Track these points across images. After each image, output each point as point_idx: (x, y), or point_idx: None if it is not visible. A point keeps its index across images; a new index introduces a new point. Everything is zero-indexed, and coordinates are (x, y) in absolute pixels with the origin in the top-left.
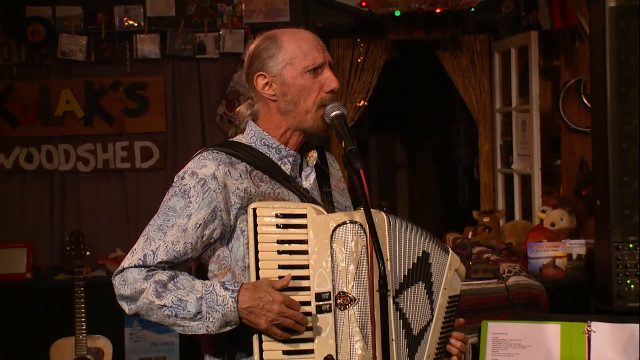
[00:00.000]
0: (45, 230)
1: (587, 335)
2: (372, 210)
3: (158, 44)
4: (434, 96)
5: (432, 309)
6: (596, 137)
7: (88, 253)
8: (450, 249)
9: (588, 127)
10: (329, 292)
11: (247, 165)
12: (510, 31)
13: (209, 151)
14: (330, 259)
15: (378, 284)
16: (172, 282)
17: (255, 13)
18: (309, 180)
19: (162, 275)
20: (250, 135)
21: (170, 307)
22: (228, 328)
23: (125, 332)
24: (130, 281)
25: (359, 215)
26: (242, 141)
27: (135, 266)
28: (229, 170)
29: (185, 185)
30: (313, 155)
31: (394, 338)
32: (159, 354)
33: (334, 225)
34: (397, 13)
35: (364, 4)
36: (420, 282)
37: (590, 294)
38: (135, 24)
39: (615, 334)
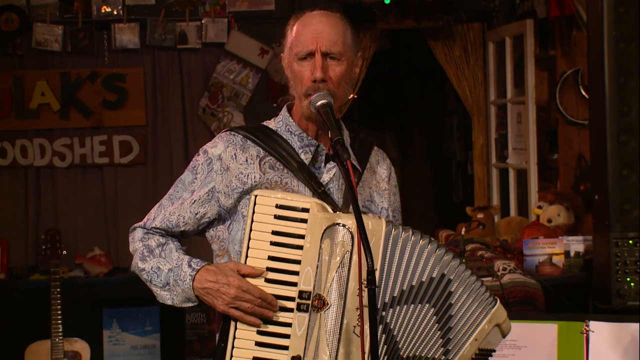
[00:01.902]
0: (20, 228)
1: (585, 335)
2: (374, 217)
3: (137, 34)
4: (426, 88)
5: (444, 345)
6: (594, 129)
7: (65, 252)
8: (498, 300)
9: (586, 119)
10: (310, 292)
11: (261, 151)
12: (505, 20)
13: (228, 132)
14: (317, 258)
15: (366, 280)
16: (159, 248)
17: (239, 1)
18: (330, 173)
19: (153, 241)
20: (278, 120)
21: (148, 272)
22: (190, 304)
23: (104, 335)
24: (134, 239)
25: (353, 220)
26: (270, 125)
27: (140, 227)
28: (235, 154)
29: (197, 161)
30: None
31: (366, 351)
32: (139, 357)
33: (326, 225)
34: (387, 1)
35: None
36: (427, 306)
37: (588, 292)
38: (114, 13)
39: (614, 333)
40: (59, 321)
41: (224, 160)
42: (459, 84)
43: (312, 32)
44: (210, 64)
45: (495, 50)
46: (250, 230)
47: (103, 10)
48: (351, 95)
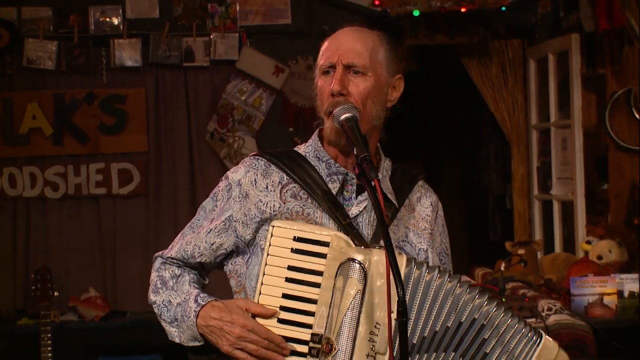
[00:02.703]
0: (7, 267)
1: None
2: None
3: (139, 50)
4: (459, 112)
5: None
6: None
7: (56, 293)
8: (543, 333)
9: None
10: (321, 335)
11: (285, 177)
12: (548, 35)
13: (252, 156)
14: (331, 297)
15: (397, 312)
16: (172, 280)
17: (252, 14)
18: (360, 206)
19: (168, 272)
20: (308, 144)
21: (159, 305)
22: (197, 343)
23: None
24: (153, 269)
25: (364, 255)
26: (299, 150)
27: (160, 256)
28: (255, 179)
29: (218, 186)
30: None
31: None
32: None
33: (340, 261)
34: (416, 13)
35: (377, 2)
36: (453, 354)
37: None
38: (115, 22)
39: None
40: None
41: (243, 186)
42: (496, 107)
43: (336, 44)
44: (220, 83)
45: (536, 69)
46: (265, 264)
47: (102, 25)
48: None
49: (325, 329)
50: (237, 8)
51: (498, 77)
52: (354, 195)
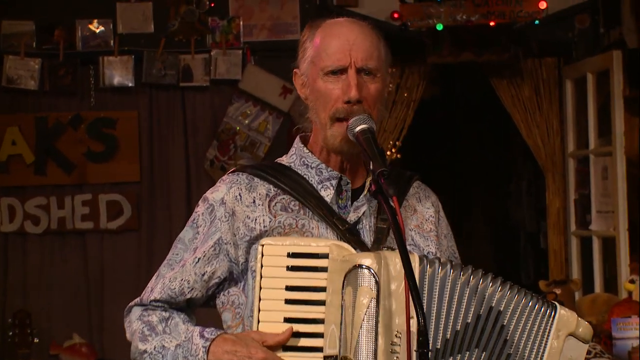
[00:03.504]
0: None
1: None
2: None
3: (131, 69)
4: (487, 139)
5: None
6: None
7: (36, 340)
8: (557, 303)
9: None
10: (336, 356)
11: (272, 188)
12: (586, 52)
13: (232, 172)
14: (340, 312)
15: (416, 342)
16: (162, 324)
17: (257, 29)
18: (357, 212)
19: (155, 316)
20: (291, 154)
21: (151, 353)
22: None
23: None
24: (130, 321)
25: (373, 259)
26: (282, 161)
27: (136, 304)
28: (240, 195)
29: (196, 212)
30: (368, 183)
31: None
32: None
33: (345, 270)
34: (440, 27)
35: (396, 15)
36: (476, 351)
37: None
38: (105, 40)
39: None
40: None
41: (227, 204)
42: (528, 133)
43: (343, 43)
44: (221, 106)
45: (574, 91)
46: (260, 288)
47: (90, 35)
48: (394, 151)
49: (339, 349)
50: (241, 22)
51: (531, 100)
52: (349, 202)
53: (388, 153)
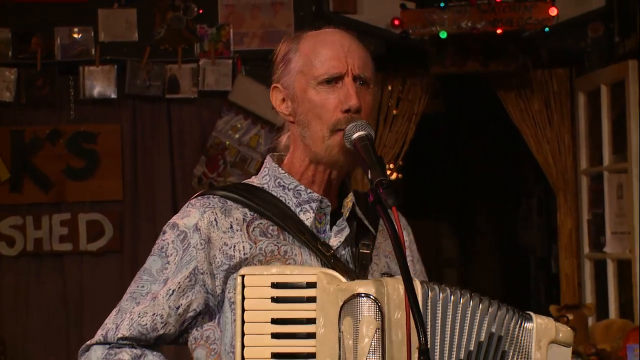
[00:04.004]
0: None
1: None
2: (396, 277)
3: (114, 80)
4: (494, 155)
5: None
6: None
7: None
8: (532, 313)
9: None
10: None
11: (248, 213)
12: (600, 62)
13: (201, 196)
14: (338, 346)
15: None
16: None
17: (248, 37)
18: (339, 236)
19: (126, 354)
20: (263, 174)
21: None
22: None
23: None
24: None
25: (373, 285)
26: (253, 182)
27: (98, 343)
28: (215, 219)
29: (164, 240)
30: (348, 205)
31: None
32: None
33: (343, 300)
34: (443, 35)
35: (396, 22)
36: None
37: None
38: (86, 49)
39: None
40: None
41: (202, 229)
42: (538, 149)
43: (338, 49)
44: (209, 119)
45: (586, 103)
46: (243, 322)
47: (70, 43)
48: (393, 170)
49: None
50: (231, 30)
51: (541, 113)
52: (328, 226)
53: (389, 171)
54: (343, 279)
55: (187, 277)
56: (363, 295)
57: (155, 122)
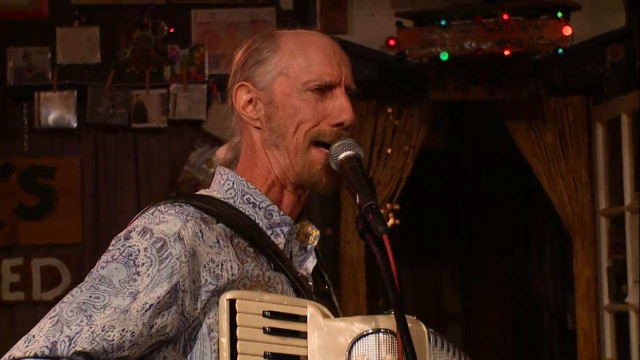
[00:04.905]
0: None
1: None
2: (407, 317)
3: (74, 107)
4: (502, 193)
5: None
6: None
7: None
8: None
9: None
10: None
11: (227, 228)
12: (621, 89)
13: (168, 204)
14: None
15: None
16: None
17: (225, 60)
18: (305, 268)
19: None
20: (226, 187)
21: None
22: None
23: None
24: None
25: (387, 321)
26: (213, 195)
27: (41, 357)
28: (201, 231)
29: (132, 247)
30: (314, 233)
31: None
32: None
33: (352, 338)
34: (444, 56)
35: (392, 42)
36: None
37: None
38: (42, 72)
39: None
40: None
41: (186, 240)
42: (552, 187)
43: (330, 54)
44: (181, 151)
45: (606, 135)
46: (233, 354)
47: (23, 62)
48: (390, 215)
49: None
50: (206, 52)
51: (554, 146)
52: (289, 254)
53: (387, 212)
54: (331, 315)
55: (168, 292)
56: (378, 332)
57: (119, 154)
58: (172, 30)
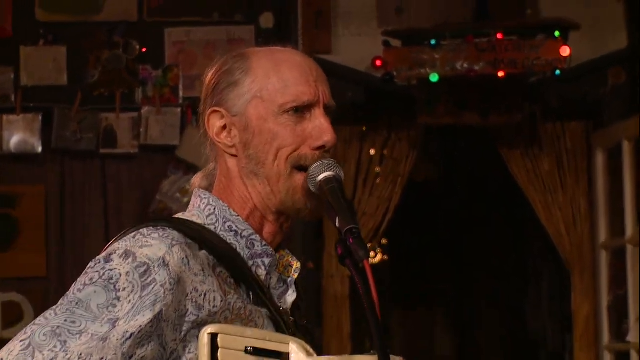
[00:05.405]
0: None
1: None
2: (393, 357)
3: (38, 131)
4: (496, 225)
5: None
6: None
7: None
8: None
9: None
10: None
11: (209, 256)
12: (622, 114)
13: (150, 227)
14: None
15: None
16: None
17: (201, 82)
18: (285, 302)
19: None
20: (207, 213)
21: None
22: None
23: None
24: None
25: None
26: (193, 219)
27: None
28: (186, 257)
29: (112, 270)
30: (294, 265)
31: None
32: None
33: None
34: (434, 78)
35: (378, 63)
36: None
37: None
38: (5, 94)
39: None
40: None
41: (172, 267)
42: (549, 218)
43: (307, 72)
44: (152, 179)
45: (606, 163)
46: None
47: None
48: (378, 253)
49: None
50: (180, 72)
51: (552, 175)
52: (268, 287)
53: (372, 254)
54: (314, 354)
55: (151, 322)
56: None
57: (87, 182)
58: (144, 50)
